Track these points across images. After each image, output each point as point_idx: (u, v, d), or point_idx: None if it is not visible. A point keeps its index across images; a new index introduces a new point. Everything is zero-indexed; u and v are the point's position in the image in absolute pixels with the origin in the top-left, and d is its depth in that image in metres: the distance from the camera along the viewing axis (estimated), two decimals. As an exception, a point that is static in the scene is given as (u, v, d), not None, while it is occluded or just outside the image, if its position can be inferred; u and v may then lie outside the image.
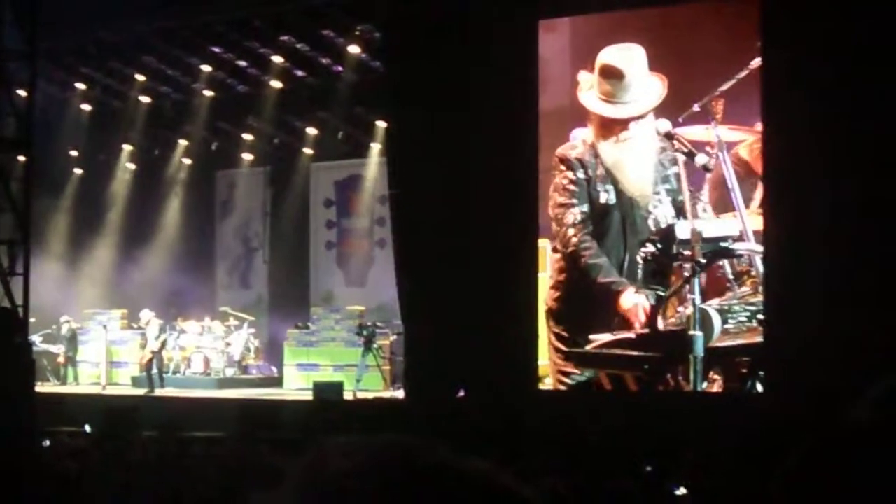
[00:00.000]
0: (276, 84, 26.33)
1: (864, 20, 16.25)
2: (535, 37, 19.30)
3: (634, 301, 17.79)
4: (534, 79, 19.25)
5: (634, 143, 18.12)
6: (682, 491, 12.52)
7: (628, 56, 18.14)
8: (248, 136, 29.75)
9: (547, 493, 11.08)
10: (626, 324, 17.88)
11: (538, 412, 17.69)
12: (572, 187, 18.48)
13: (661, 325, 17.68)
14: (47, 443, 16.78)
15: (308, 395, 22.40)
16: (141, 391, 25.27)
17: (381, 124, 25.71)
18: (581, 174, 18.40)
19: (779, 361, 16.75)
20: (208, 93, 27.41)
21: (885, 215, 16.00)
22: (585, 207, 18.37)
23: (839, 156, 16.29)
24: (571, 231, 18.38)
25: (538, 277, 18.96)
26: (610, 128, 18.21)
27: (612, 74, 18.14)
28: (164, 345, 26.23)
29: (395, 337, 24.66)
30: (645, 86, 18.07)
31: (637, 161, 18.16)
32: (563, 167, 18.51)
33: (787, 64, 16.99)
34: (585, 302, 18.32)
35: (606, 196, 18.25)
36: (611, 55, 18.23)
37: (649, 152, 18.06)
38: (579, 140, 18.53)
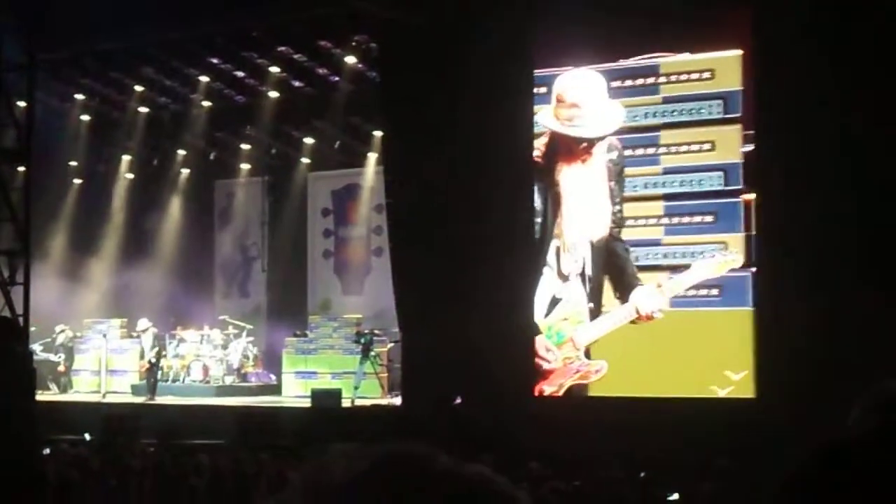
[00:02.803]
0: (274, 94, 26.42)
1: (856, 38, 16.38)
2: (531, 43, 19.40)
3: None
4: (529, 86, 19.35)
5: (594, 174, 18.44)
6: (674, 497, 12.68)
7: (587, 86, 18.47)
8: (245, 146, 29.84)
9: (544, 498, 11.22)
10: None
11: (535, 418, 17.82)
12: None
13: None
14: (48, 451, 16.91)
15: (306, 403, 22.49)
16: (140, 399, 25.39)
17: (378, 134, 25.81)
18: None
19: (770, 368, 16.85)
20: (206, 103, 27.49)
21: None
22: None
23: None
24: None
25: (534, 285, 19.09)
26: (569, 147, 18.52)
27: (569, 104, 18.48)
28: (159, 356, 26.27)
29: (392, 344, 24.74)
30: (602, 112, 18.37)
31: (589, 188, 18.50)
32: None
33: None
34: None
35: (539, 223, 18.76)
36: (567, 84, 18.55)
37: (602, 180, 18.40)
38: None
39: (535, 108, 19.26)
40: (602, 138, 18.36)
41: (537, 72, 19.32)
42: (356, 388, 24.02)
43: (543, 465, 13.64)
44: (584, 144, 18.39)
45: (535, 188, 18.73)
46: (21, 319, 17.25)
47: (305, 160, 29.85)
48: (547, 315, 18.78)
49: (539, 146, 18.85)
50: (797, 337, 16.20)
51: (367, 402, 23.11)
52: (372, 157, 28.19)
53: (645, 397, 18.05)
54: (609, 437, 16.10)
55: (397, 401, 22.38)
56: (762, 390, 17.02)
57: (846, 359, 14.69)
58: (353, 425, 19.32)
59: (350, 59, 24.39)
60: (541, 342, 18.76)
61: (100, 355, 27.88)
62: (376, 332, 25.49)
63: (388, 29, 20.73)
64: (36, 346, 23.77)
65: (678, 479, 13.53)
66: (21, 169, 18.40)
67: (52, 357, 27.64)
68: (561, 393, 18.59)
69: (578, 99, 18.34)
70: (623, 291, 18.23)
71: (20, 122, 18.02)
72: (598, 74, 18.42)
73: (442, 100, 19.34)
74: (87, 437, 20.16)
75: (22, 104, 18.40)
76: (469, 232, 19.09)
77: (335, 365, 25.93)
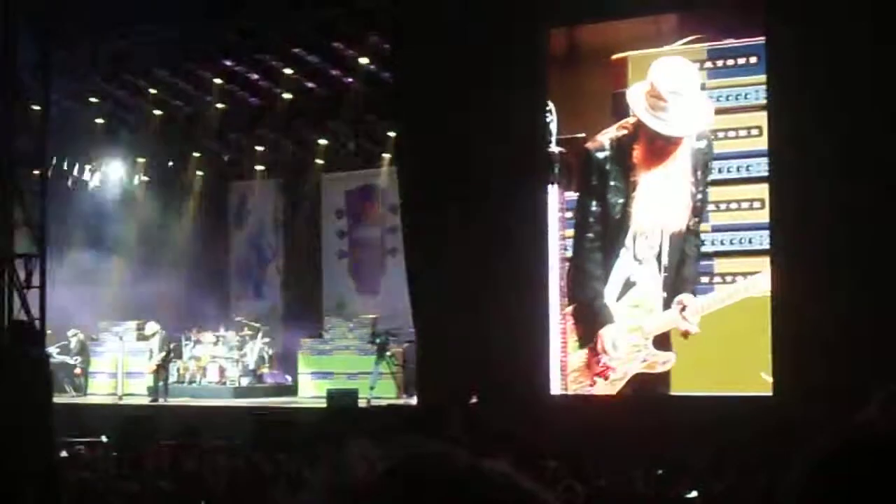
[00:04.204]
0: (287, 96, 26.44)
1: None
2: (544, 43, 19.36)
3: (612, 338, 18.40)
4: (543, 83, 19.30)
5: (676, 166, 18.15)
6: (693, 494, 12.64)
7: (675, 78, 18.16)
8: (260, 148, 29.86)
9: (562, 497, 11.19)
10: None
11: (551, 417, 17.79)
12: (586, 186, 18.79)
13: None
14: (65, 453, 16.94)
15: (322, 403, 22.50)
16: (158, 401, 25.48)
17: (392, 134, 25.80)
18: (597, 174, 18.60)
19: (789, 363, 16.79)
20: (220, 105, 27.51)
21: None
22: (598, 209, 18.65)
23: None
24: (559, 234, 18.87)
25: (549, 282, 19.05)
26: (651, 139, 18.22)
27: (657, 95, 18.15)
28: (165, 360, 26.34)
29: (407, 344, 24.74)
30: (689, 111, 18.11)
31: (669, 176, 18.22)
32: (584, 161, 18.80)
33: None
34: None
35: (620, 203, 18.42)
36: (660, 72, 18.28)
37: (686, 170, 18.11)
38: (608, 138, 18.60)
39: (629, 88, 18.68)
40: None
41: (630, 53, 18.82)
42: (372, 388, 24.04)
43: (560, 463, 13.60)
44: (665, 140, 18.19)
45: (618, 169, 18.43)
46: (37, 323, 17.26)
47: (319, 161, 29.85)
48: (619, 299, 18.57)
49: (626, 126, 18.48)
50: (815, 333, 16.15)
51: (383, 403, 23.11)
52: (386, 157, 28.19)
53: (662, 395, 18.08)
54: (626, 435, 16.06)
55: (413, 400, 22.37)
56: (780, 387, 16.96)
57: (866, 355, 14.64)
58: (369, 425, 19.30)
59: (363, 60, 24.40)
60: (609, 335, 18.54)
61: (116, 358, 27.96)
62: (392, 331, 25.51)
63: (401, 29, 20.73)
64: (52, 349, 23.80)
65: (696, 477, 13.49)
66: (36, 172, 18.40)
67: (68, 360, 27.70)
68: (625, 381, 18.40)
69: (666, 92, 18.00)
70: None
71: (35, 126, 18.05)
72: (693, 68, 18.09)
73: (456, 99, 19.32)
74: (104, 439, 20.19)
75: (37, 107, 18.41)
76: (484, 230, 19.06)
77: (351, 365, 25.95)
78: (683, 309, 17.82)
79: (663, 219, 18.09)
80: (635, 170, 18.24)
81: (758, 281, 17.49)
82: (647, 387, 18.24)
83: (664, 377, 18.12)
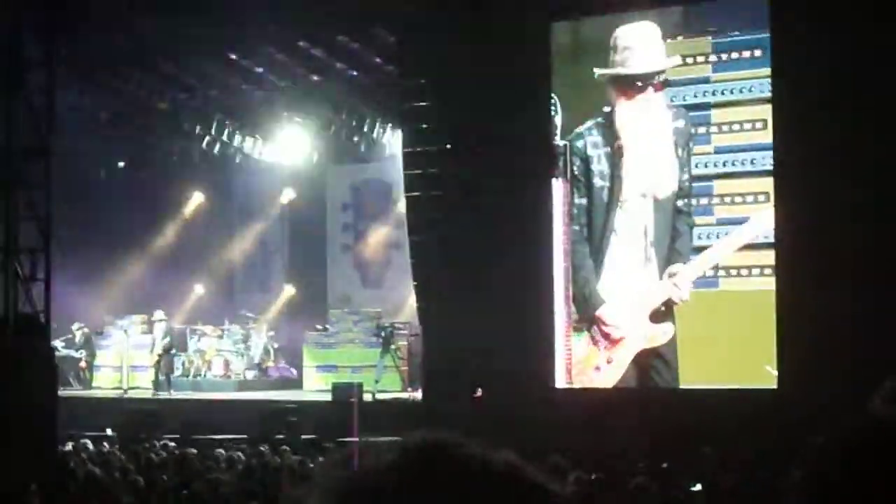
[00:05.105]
0: (293, 88, 26.39)
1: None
2: (546, 36, 19.37)
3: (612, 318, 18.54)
4: (547, 74, 19.30)
5: (651, 114, 18.35)
6: (697, 487, 12.65)
7: (639, 31, 18.39)
8: (265, 141, 29.82)
9: (570, 489, 11.19)
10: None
11: (556, 410, 17.79)
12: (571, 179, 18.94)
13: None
14: (70, 446, 16.96)
15: (327, 397, 22.50)
16: (161, 394, 25.47)
17: (398, 127, 25.78)
18: (580, 164, 18.76)
19: (793, 357, 16.77)
20: (225, 98, 27.46)
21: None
22: (583, 200, 18.79)
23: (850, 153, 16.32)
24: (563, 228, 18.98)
25: (553, 276, 19.05)
26: (626, 91, 18.39)
27: (622, 49, 18.38)
28: (167, 349, 26.32)
29: (412, 338, 24.75)
30: (657, 53, 18.34)
31: (652, 144, 18.43)
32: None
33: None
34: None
35: (606, 186, 18.62)
36: (621, 31, 18.52)
37: (667, 139, 18.29)
38: (584, 128, 18.82)
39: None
40: (655, 74, 18.29)
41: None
42: (377, 381, 24.03)
43: (565, 457, 13.60)
44: (639, 83, 18.33)
45: (600, 153, 18.63)
46: (42, 316, 17.26)
47: (325, 154, 29.83)
48: (614, 282, 18.64)
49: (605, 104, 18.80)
50: (820, 328, 16.12)
51: (388, 396, 23.11)
52: (391, 151, 28.16)
53: (666, 388, 18.09)
54: (630, 428, 16.07)
55: (418, 394, 22.37)
56: (784, 380, 16.95)
57: (870, 349, 14.62)
58: (373, 419, 19.32)
59: (368, 54, 24.36)
60: (607, 312, 18.64)
61: (121, 351, 27.96)
62: (397, 325, 25.51)
63: (407, 23, 20.71)
64: (57, 343, 23.81)
65: (700, 470, 13.50)
66: (41, 165, 18.38)
67: (73, 353, 27.72)
68: (632, 357, 18.45)
69: (631, 42, 18.35)
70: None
71: (40, 119, 18.03)
72: (653, 25, 18.37)
73: (461, 93, 19.32)
74: (109, 432, 20.23)
75: (41, 100, 18.37)
76: (490, 224, 19.06)
77: (356, 358, 25.94)
78: (672, 276, 17.94)
79: (649, 185, 18.28)
80: (618, 138, 18.43)
81: (743, 231, 17.66)
82: (653, 361, 18.29)
83: (667, 350, 18.13)
